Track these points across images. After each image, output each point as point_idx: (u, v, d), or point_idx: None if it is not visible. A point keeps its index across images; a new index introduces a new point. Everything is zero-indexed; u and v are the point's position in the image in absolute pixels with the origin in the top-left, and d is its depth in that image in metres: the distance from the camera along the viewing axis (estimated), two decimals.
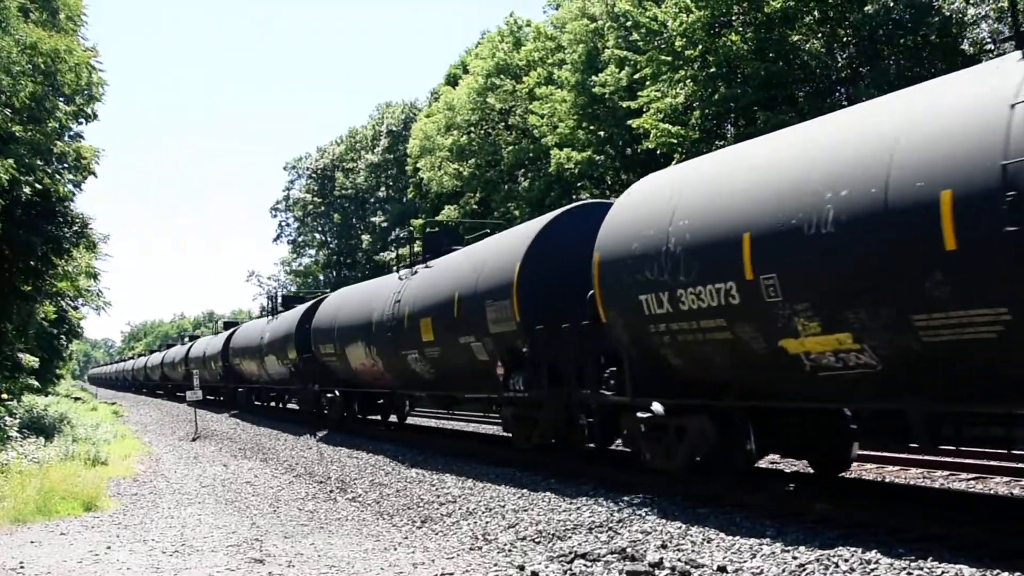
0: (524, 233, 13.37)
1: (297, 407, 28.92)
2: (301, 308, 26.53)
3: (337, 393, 22.14)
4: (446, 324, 14.36)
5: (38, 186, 16.30)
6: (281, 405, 33.60)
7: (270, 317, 30.58)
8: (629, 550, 7.43)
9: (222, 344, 36.68)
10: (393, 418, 21.70)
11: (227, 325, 45.69)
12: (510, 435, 14.17)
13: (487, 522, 9.64)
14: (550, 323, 11.84)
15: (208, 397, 42.92)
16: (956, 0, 18.97)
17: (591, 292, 10.60)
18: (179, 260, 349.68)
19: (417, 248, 18.81)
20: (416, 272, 16.96)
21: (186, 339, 63.32)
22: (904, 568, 6.21)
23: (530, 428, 12.97)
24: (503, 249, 13.65)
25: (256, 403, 35.08)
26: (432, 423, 24.37)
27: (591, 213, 12.19)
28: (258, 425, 26.54)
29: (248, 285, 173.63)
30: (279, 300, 33.52)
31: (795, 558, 6.79)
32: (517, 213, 31.07)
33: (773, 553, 7.02)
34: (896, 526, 7.46)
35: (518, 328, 12.37)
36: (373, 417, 22.07)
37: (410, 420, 22.47)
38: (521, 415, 13.16)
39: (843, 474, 11.40)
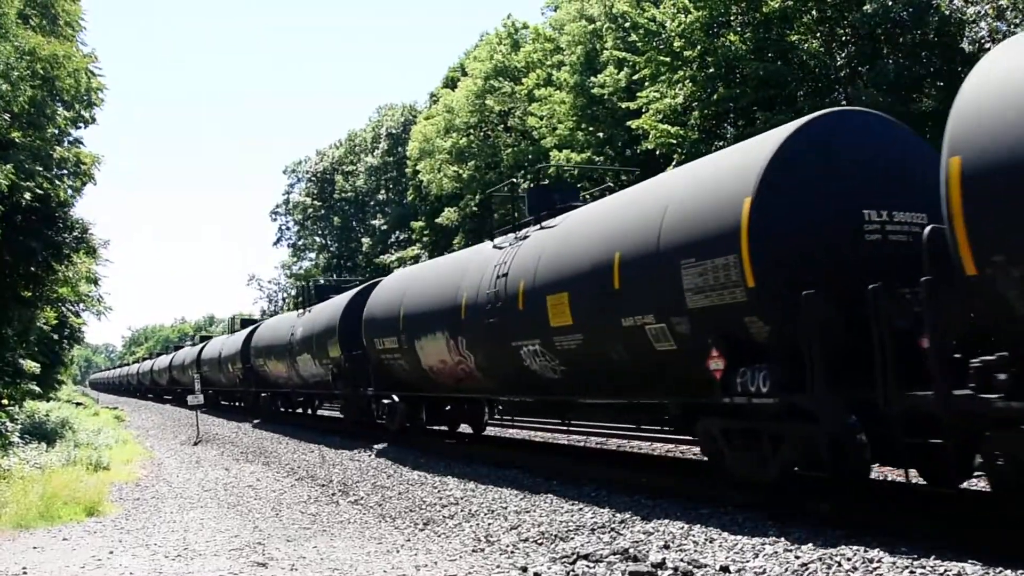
0: (753, 151, 8.84)
1: (340, 415, 24.56)
2: (346, 296, 22.22)
3: (396, 398, 17.90)
4: (597, 300, 10.37)
5: (38, 192, 16.31)
6: (310, 412, 29.67)
7: (302, 310, 26.14)
8: (632, 551, 7.44)
9: (241, 343, 32.50)
10: (464, 428, 18.75)
11: (244, 323, 41.03)
12: (706, 459, 10.04)
13: (489, 524, 9.64)
14: (819, 286, 7.74)
15: (223, 402, 40.95)
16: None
17: (929, 227, 7.08)
18: (179, 265, 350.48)
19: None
20: (527, 236, 12.95)
21: (197, 339, 60.52)
22: (907, 567, 6.21)
23: (762, 452, 8.65)
24: (713, 178, 9.14)
25: (281, 410, 31.17)
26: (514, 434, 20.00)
27: (864, 120, 8.92)
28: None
29: (249, 289, 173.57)
30: (312, 291, 27.99)
31: (797, 557, 6.79)
32: (517, 215, 31.03)
33: (776, 553, 7.01)
34: (898, 525, 7.45)
35: (752, 297, 8.17)
36: (437, 428, 18.58)
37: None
38: (747, 431, 8.81)
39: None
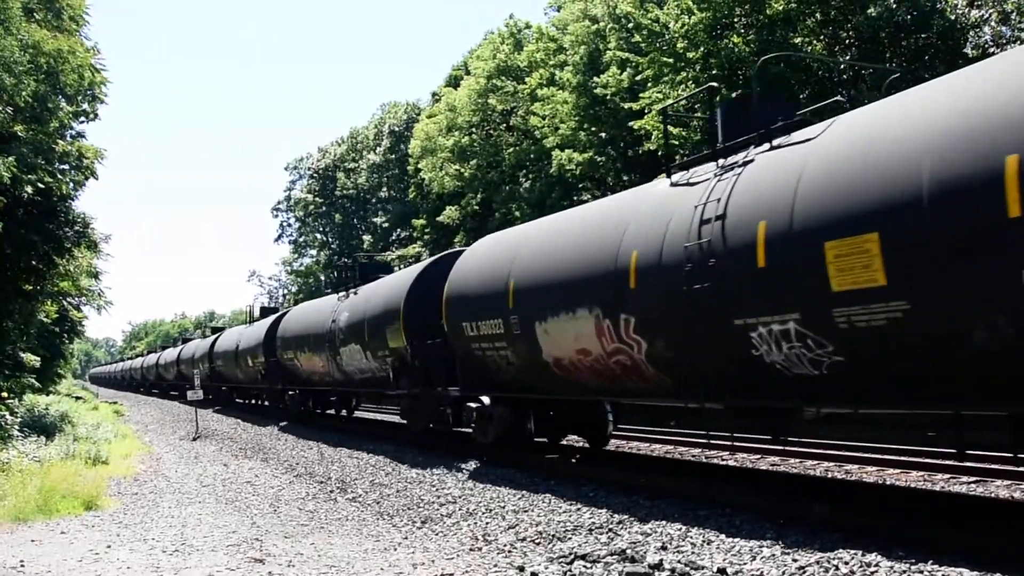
0: None
1: (402, 419, 19.68)
2: (414, 269, 17.86)
3: (487, 401, 14.30)
4: (952, 242, 6.44)
5: (40, 185, 16.32)
6: (345, 414, 25.77)
7: (343, 292, 22.19)
8: (629, 551, 7.44)
9: (264, 334, 28.62)
10: (570, 439, 15.27)
11: (264, 311, 36.75)
12: None
13: (487, 523, 9.64)
14: None
15: (238, 400, 38.55)
16: (959, 3, 18.96)
17: None
18: (180, 260, 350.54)
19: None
20: (749, 160, 8.86)
21: (208, 331, 58.47)
22: (904, 571, 6.22)
23: None
24: None
25: (315, 411, 27.03)
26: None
27: None
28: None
29: (249, 285, 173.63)
30: (356, 269, 23.23)
31: (795, 560, 6.79)
32: (518, 214, 31.07)
33: (773, 555, 7.02)
34: (896, 529, 7.46)
35: None
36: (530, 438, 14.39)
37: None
38: None
39: (838, 476, 11.42)
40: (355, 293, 21.04)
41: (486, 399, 14.26)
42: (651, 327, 9.60)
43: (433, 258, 17.95)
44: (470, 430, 15.12)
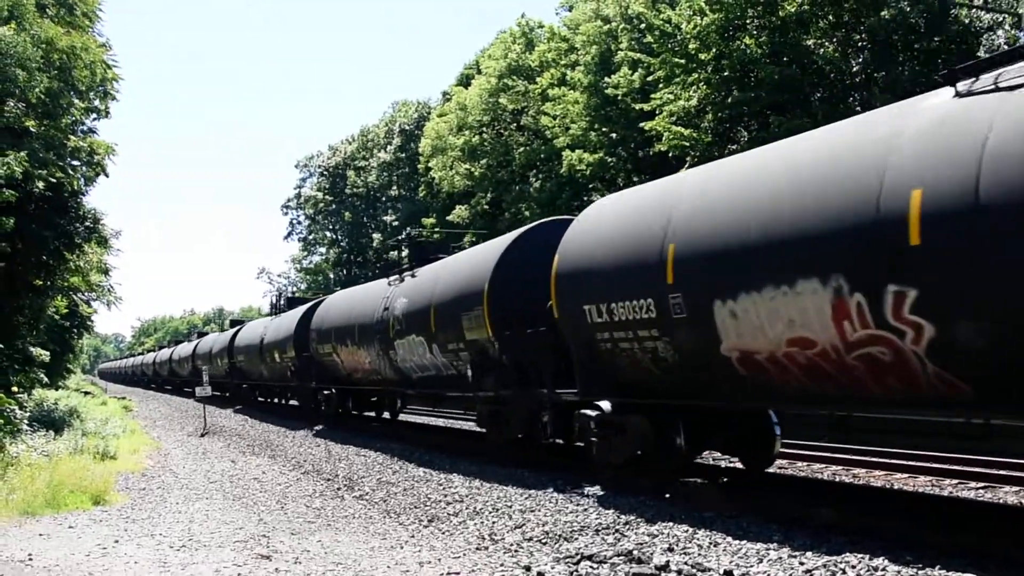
0: None
1: (479, 427, 15.66)
2: (501, 242, 14.47)
3: (607, 407, 10.85)
4: None
5: (51, 180, 16.40)
6: (387, 416, 22.95)
7: (396, 276, 18.95)
8: (636, 552, 7.42)
9: (295, 326, 25.69)
10: (718, 461, 12.78)
11: (291, 303, 32.67)
12: None
13: (494, 522, 9.64)
14: None
15: (259, 399, 35.62)
16: (973, 5, 18.90)
17: None
18: (190, 257, 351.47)
19: None
20: None
21: (227, 324, 56.47)
22: (912, 575, 6.19)
23: None
24: None
25: (353, 412, 23.86)
26: None
27: None
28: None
29: (258, 282, 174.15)
30: (412, 251, 20.34)
31: (802, 564, 6.77)
32: (528, 214, 31.09)
33: (780, 558, 7.00)
34: (904, 533, 7.43)
35: None
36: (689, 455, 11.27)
37: None
38: None
39: (845, 480, 11.39)
40: (412, 276, 17.78)
41: (606, 404, 10.85)
42: (951, 304, 6.43)
43: (525, 227, 14.48)
44: (560, 441, 12.57)
